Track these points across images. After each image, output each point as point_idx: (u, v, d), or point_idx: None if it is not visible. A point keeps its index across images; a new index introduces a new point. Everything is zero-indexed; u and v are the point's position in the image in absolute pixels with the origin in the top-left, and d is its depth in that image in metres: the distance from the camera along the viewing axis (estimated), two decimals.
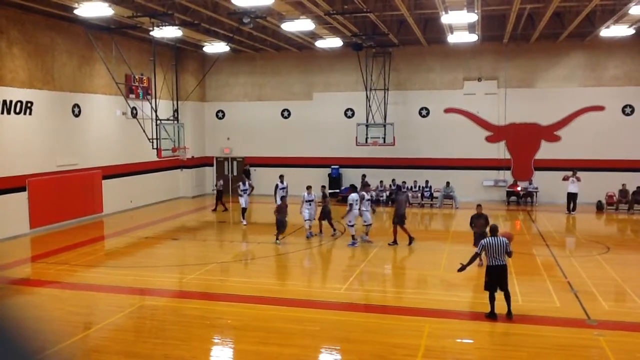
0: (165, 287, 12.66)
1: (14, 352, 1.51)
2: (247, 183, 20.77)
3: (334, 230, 17.94)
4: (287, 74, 28.09)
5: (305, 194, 17.60)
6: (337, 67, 27.11)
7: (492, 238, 10.13)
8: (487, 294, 10.02)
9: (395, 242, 16.44)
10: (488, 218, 13.71)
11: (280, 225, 16.84)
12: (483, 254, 10.46)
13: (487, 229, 12.86)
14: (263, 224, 19.82)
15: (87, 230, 19.69)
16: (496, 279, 9.93)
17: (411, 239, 16.34)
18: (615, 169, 24.10)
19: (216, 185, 24.48)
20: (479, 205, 14.31)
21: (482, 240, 10.33)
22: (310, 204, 17.53)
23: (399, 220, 16.33)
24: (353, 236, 16.48)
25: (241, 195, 20.44)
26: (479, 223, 13.63)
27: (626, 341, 9.26)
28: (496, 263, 9.94)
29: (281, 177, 20.24)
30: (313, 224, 17.72)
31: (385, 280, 13.75)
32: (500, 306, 10.02)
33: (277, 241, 16.82)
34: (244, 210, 20.40)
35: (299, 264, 15.30)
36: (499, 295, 9.99)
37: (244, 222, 20.26)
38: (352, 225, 16.46)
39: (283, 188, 19.68)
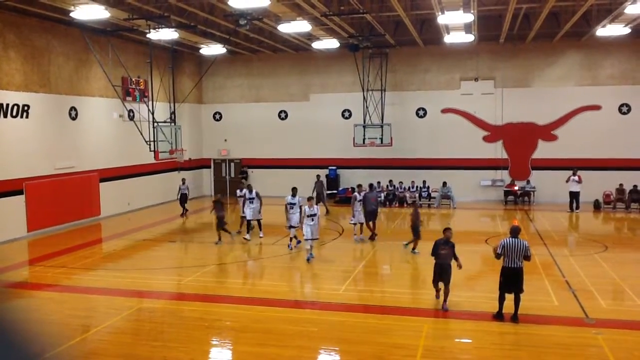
0: (163, 289, 12.66)
1: (13, 355, 1.51)
2: (254, 192, 17.69)
3: (219, 239, 17.22)
4: (284, 76, 28.09)
5: (307, 207, 14.98)
6: (334, 68, 27.13)
7: (513, 239, 9.88)
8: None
9: (372, 236, 17.29)
10: (454, 248, 10.79)
11: (417, 232, 15.31)
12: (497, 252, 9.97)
13: (456, 263, 10.75)
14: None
15: (84, 233, 19.65)
16: (510, 280, 9.86)
17: (373, 235, 17.28)
18: (612, 167, 24.15)
19: (180, 188, 23.25)
20: (447, 229, 10.94)
21: (502, 240, 9.99)
22: (312, 219, 14.82)
23: (367, 216, 17.14)
24: (295, 237, 16.28)
25: (246, 205, 17.63)
26: (443, 253, 10.73)
27: (624, 339, 9.29)
28: (512, 265, 9.83)
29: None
30: (314, 243, 15.25)
31: (384, 281, 13.77)
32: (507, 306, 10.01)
33: (415, 250, 15.37)
34: (248, 222, 17.68)
35: (297, 265, 15.27)
36: (509, 296, 9.95)
37: (247, 237, 17.60)
38: (296, 227, 15.94)
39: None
